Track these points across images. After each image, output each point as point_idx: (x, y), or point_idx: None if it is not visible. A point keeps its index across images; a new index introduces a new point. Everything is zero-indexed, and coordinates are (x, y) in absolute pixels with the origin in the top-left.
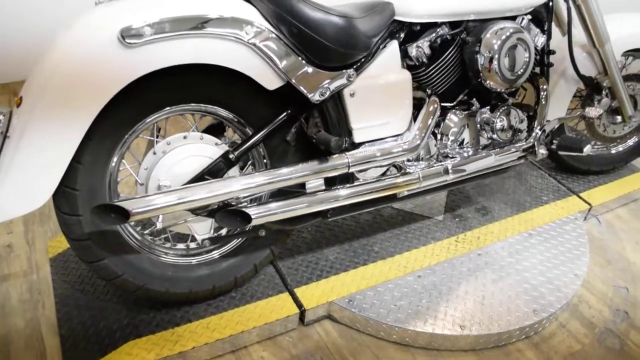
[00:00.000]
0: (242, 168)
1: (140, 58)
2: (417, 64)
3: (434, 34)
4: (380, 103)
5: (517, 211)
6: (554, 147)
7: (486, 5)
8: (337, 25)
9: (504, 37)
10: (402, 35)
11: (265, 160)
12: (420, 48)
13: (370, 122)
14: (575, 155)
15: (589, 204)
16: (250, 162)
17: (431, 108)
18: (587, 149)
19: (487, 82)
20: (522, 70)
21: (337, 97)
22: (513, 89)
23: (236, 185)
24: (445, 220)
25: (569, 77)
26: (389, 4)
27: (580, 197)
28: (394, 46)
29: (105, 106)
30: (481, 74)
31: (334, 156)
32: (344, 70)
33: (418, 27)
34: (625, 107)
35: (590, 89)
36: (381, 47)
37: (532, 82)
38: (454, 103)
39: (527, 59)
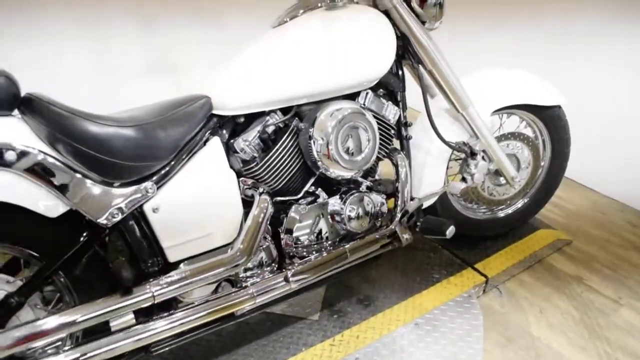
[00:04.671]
0: (48, 303)
1: None
2: (248, 159)
3: (262, 124)
4: (196, 213)
5: (404, 296)
6: (418, 230)
7: (315, 86)
8: (121, 137)
9: (337, 119)
10: (226, 130)
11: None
12: (247, 141)
13: (186, 236)
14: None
15: (485, 276)
16: (58, 295)
17: (262, 206)
18: (450, 232)
19: (329, 169)
20: (366, 153)
21: (138, 215)
22: (363, 172)
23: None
24: (321, 319)
25: (438, 147)
26: (203, 98)
27: (475, 269)
28: (214, 144)
29: None
30: (319, 162)
31: (135, 288)
32: (139, 185)
33: (242, 119)
34: (506, 168)
35: (465, 155)
36: (196, 148)
37: (390, 159)
38: (300, 195)
39: (369, 138)
